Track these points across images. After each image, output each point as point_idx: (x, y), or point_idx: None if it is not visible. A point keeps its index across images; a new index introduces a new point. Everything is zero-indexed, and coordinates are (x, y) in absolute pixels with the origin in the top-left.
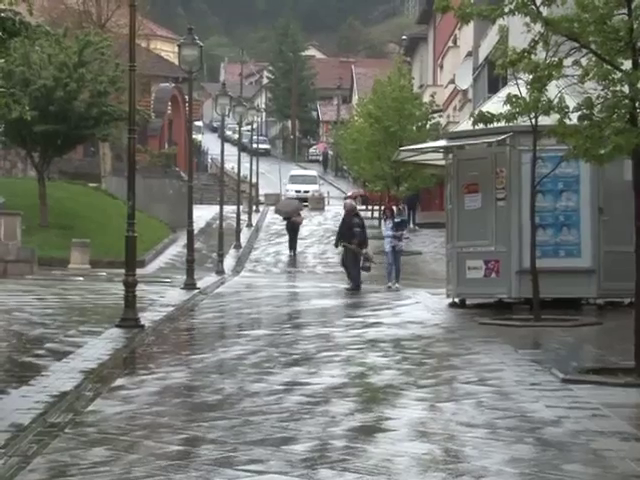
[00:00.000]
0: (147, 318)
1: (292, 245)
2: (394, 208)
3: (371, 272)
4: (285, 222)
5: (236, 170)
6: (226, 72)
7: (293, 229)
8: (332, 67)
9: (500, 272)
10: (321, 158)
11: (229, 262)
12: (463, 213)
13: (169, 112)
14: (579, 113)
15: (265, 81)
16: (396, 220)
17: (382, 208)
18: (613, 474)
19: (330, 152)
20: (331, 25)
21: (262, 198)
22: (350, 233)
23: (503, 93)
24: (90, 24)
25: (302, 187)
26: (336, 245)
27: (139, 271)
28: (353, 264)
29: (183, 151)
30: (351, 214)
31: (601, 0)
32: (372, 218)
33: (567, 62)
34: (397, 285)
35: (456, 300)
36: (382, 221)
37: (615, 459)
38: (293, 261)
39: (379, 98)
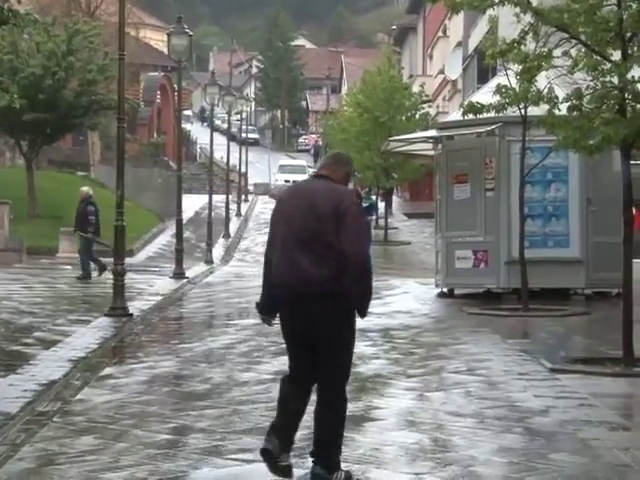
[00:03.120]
0: (136, 307)
1: None
2: (361, 192)
3: None
4: None
5: (225, 159)
6: (215, 61)
7: None
8: (321, 57)
9: (489, 262)
10: (312, 151)
11: (218, 251)
12: (452, 203)
13: (158, 101)
14: (568, 104)
15: (254, 70)
16: (364, 204)
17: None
18: (600, 463)
19: (320, 143)
20: (321, 15)
21: (251, 188)
22: (85, 221)
23: (493, 83)
24: (79, 12)
25: (291, 177)
26: (74, 232)
27: (128, 260)
28: (86, 252)
29: (172, 140)
30: (85, 201)
31: None
32: None
33: (557, 53)
34: None
35: (445, 290)
36: None
37: (603, 449)
38: None
39: (368, 88)
